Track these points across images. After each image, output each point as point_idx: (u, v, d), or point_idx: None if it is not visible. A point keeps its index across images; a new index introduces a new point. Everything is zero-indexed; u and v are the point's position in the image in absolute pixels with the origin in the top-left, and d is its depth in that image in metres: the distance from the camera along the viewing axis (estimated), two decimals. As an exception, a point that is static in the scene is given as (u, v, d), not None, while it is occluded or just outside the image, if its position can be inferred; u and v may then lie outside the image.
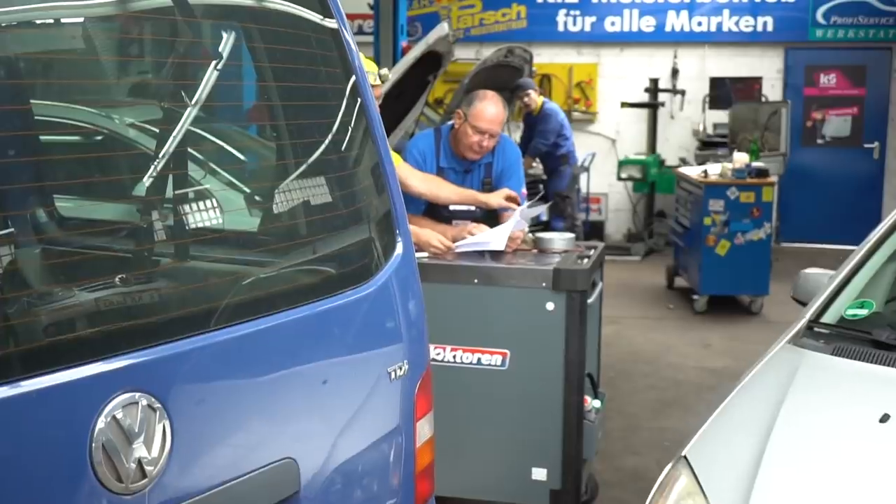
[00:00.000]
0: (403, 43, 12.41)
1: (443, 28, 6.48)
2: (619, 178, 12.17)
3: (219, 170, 2.15)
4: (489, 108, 4.89)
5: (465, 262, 4.55)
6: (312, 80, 2.43)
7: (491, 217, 5.15)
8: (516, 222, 4.71)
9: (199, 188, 2.06)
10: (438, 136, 5.13)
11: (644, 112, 12.82)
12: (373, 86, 4.60)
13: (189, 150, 2.05)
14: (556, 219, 10.26)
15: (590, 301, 4.41)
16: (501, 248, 4.62)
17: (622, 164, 12.14)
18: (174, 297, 1.92)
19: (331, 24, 2.45)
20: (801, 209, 12.71)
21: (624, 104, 12.59)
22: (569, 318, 4.27)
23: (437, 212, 5.13)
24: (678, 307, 9.42)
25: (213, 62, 2.15)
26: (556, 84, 13.18)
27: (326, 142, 2.39)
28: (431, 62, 7.09)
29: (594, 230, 12.63)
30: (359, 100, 2.49)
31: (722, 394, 3.49)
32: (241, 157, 2.29)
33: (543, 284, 4.30)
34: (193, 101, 2.05)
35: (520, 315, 4.36)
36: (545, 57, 13.02)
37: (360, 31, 13.52)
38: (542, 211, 5.44)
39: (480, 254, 4.64)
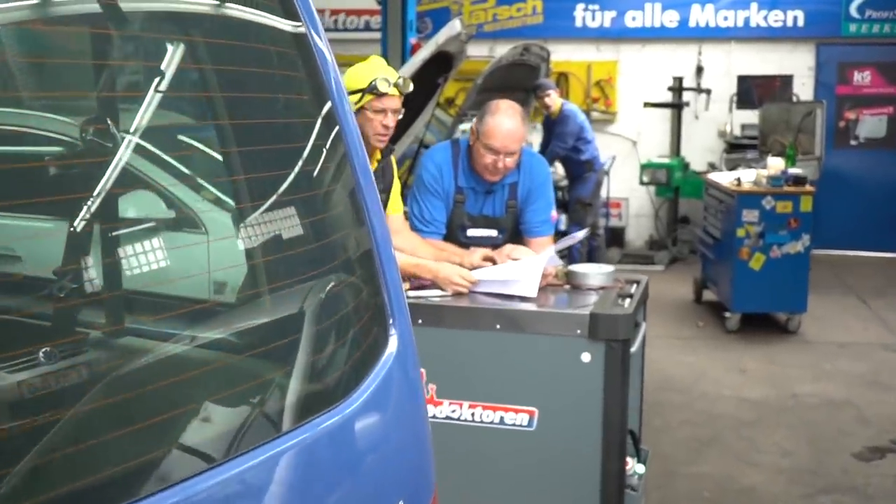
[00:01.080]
0: (413, 40, 11.88)
1: (454, 26, 5.84)
2: (642, 183, 11.56)
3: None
4: (503, 123, 4.26)
5: (485, 303, 3.91)
6: (265, 111, 1.76)
7: (515, 244, 4.52)
8: (549, 258, 4.08)
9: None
10: (457, 150, 4.50)
11: (667, 112, 12.24)
12: (386, 95, 3.98)
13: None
14: (575, 227, 9.61)
15: (633, 350, 3.76)
16: (533, 294, 3.95)
17: (644, 167, 11.54)
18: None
19: (294, 28, 1.78)
20: (834, 215, 12.02)
21: (646, 104, 12.01)
22: (608, 371, 3.62)
23: (453, 237, 4.51)
24: (708, 325, 8.76)
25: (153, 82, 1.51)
26: (573, 83, 12.61)
27: (287, 199, 1.72)
28: (442, 63, 6.46)
29: (614, 237, 12.04)
30: (342, 150, 1.82)
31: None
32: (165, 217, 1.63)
33: (578, 332, 3.65)
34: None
35: (550, 367, 3.71)
36: (562, 54, 12.43)
37: (366, 28, 12.95)
38: (578, 239, 4.75)
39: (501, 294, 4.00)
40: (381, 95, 3.97)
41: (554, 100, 9.70)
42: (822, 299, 9.37)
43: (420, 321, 3.78)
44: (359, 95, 3.99)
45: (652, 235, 12.51)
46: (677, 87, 11.93)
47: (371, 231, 1.83)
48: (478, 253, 4.23)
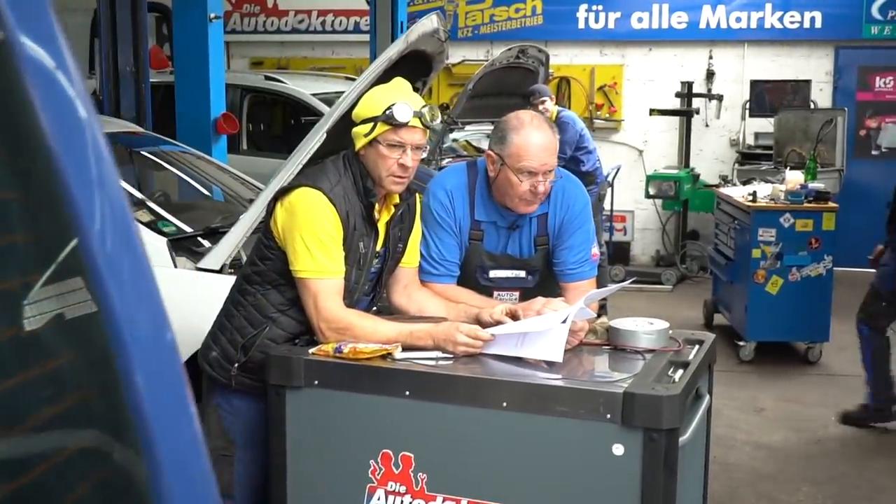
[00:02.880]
0: None
1: (430, 22, 5.06)
2: (648, 196, 10.81)
3: None
4: (533, 136, 3.47)
5: (491, 372, 3.08)
6: None
7: (547, 286, 3.75)
8: (579, 310, 3.23)
9: None
10: (473, 175, 3.68)
11: (675, 120, 11.49)
12: (405, 126, 3.22)
13: None
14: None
15: (684, 439, 2.88)
16: (558, 358, 3.09)
17: (651, 178, 10.78)
18: None
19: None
20: (854, 230, 11.16)
21: (653, 111, 11.25)
22: (647, 468, 2.76)
23: (470, 278, 3.73)
24: (720, 353, 7.86)
25: None
26: (576, 88, 11.90)
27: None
28: (420, 65, 5.70)
29: (619, 252, 11.29)
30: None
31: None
32: None
33: (608, 416, 2.78)
34: None
35: (571, 460, 2.87)
36: (564, 58, 11.79)
37: (356, 29, 12.21)
38: (618, 289, 3.89)
39: (517, 357, 3.17)
40: (398, 126, 3.25)
41: (549, 107, 8.93)
42: (845, 325, 8.52)
43: (407, 392, 3.03)
44: (370, 125, 3.27)
45: (659, 251, 11.80)
46: (686, 93, 11.20)
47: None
48: (500, 307, 3.38)
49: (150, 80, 7.74)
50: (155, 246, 4.61)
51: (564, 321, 3.15)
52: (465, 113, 8.66)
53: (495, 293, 3.76)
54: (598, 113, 11.86)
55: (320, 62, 12.22)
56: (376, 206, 3.38)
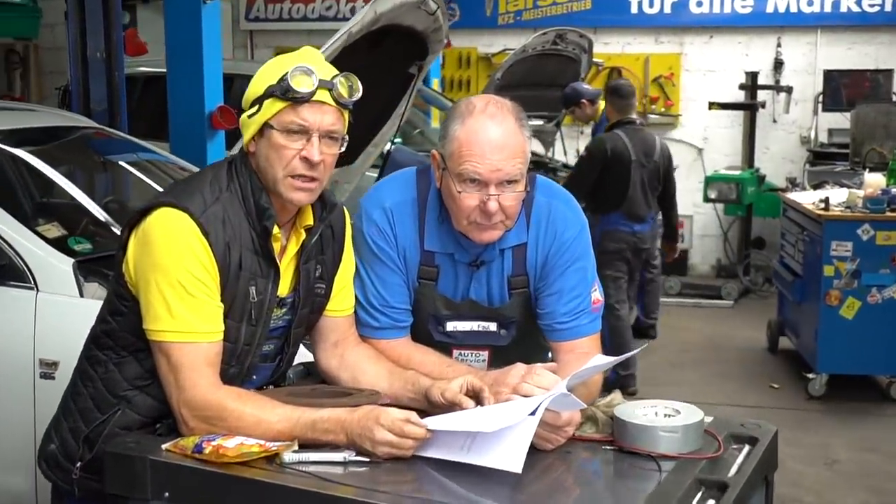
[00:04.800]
0: None
1: (410, -11, 4.08)
2: (707, 200, 9.76)
3: None
4: (482, 129, 2.44)
5: (421, 489, 2.13)
6: None
7: (529, 341, 2.74)
8: (557, 398, 2.21)
9: None
10: (425, 185, 2.67)
11: (739, 115, 10.53)
12: (306, 100, 2.25)
13: None
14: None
15: None
16: (516, 469, 2.07)
17: (710, 180, 9.76)
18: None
19: None
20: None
21: (713, 105, 10.30)
22: None
23: (420, 330, 2.71)
24: (785, 387, 6.86)
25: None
26: (628, 79, 10.80)
27: None
28: (415, 47, 4.71)
29: (675, 262, 10.18)
30: None
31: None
32: None
33: None
34: None
35: None
36: (615, 46, 10.83)
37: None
38: (617, 361, 2.67)
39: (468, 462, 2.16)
40: (296, 101, 2.29)
41: (587, 111, 7.83)
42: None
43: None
44: (258, 107, 2.32)
45: (720, 260, 10.73)
46: (751, 85, 10.23)
47: None
48: (458, 382, 2.37)
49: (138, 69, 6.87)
50: (57, 269, 3.68)
51: (534, 412, 2.12)
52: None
53: (455, 352, 2.73)
54: (653, 107, 10.92)
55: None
56: (275, 231, 2.38)
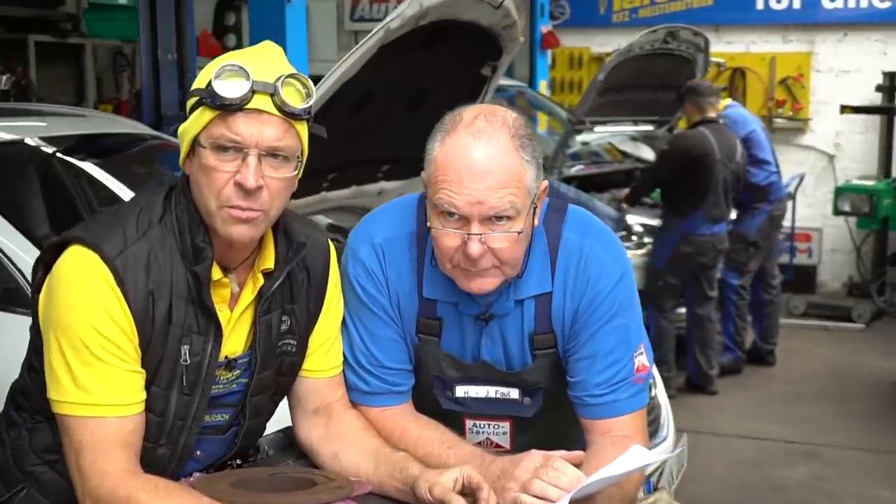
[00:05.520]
0: (544, 28, 9.79)
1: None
2: (837, 213, 9.01)
3: None
4: (465, 147, 1.93)
5: None
6: None
7: (562, 412, 2.18)
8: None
9: None
10: (424, 218, 2.16)
11: (874, 119, 9.81)
12: (239, 109, 1.76)
13: None
14: (731, 274, 7.04)
15: None
16: None
17: (841, 190, 9.04)
18: None
19: None
20: None
21: (846, 108, 9.57)
22: None
23: (425, 395, 2.21)
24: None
25: None
26: (752, 81, 10.31)
27: None
28: (484, 46, 4.17)
29: (802, 278, 9.57)
30: None
31: None
32: None
33: None
34: None
35: None
36: (738, 45, 10.31)
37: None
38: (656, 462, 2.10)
39: None
40: (226, 110, 1.81)
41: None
42: None
43: None
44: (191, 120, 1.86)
45: (852, 277, 9.96)
46: (889, 87, 9.50)
47: None
48: (450, 475, 1.88)
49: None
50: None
51: None
52: (598, 109, 7.07)
53: (469, 422, 2.20)
54: (780, 111, 10.31)
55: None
56: (218, 276, 1.88)
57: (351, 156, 3.90)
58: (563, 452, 1.91)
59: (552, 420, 2.15)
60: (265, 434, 2.18)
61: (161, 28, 6.07)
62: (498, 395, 2.16)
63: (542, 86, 9.80)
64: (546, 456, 1.88)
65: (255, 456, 2.15)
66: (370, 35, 3.17)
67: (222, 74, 1.79)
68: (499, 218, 1.91)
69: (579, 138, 7.60)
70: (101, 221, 1.89)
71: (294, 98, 1.84)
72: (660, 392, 4.14)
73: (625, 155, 8.44)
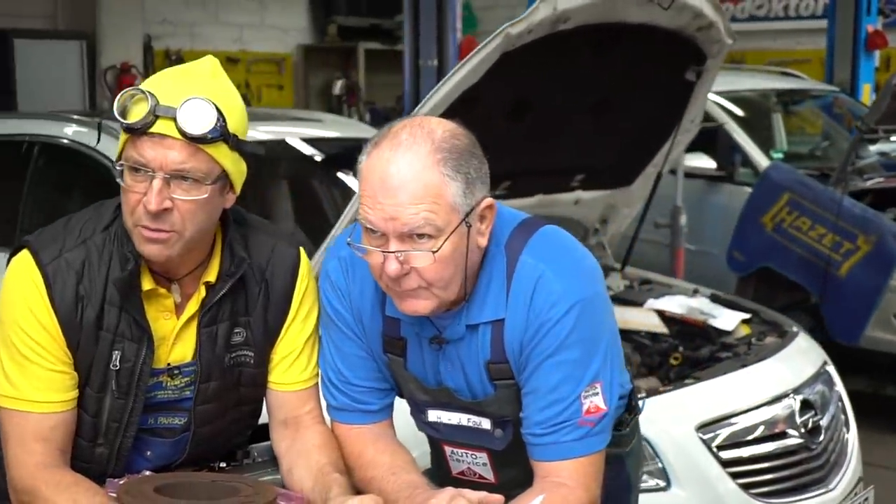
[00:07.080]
0: (870, 26, 9.03)
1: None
2: None
3: None
4: (381, 162, 1.83)
5: None
6: None
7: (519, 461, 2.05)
8: None
9: None
10: None
11: None
12: (144, 133, 1.82)
13: None
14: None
15: None
16: None
17: None
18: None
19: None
20: None
21: None
22: None
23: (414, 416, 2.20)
24: None
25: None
26: None
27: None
28: (683, 49, 3.91)
29: None
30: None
31: None
32: None
33: None
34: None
35: None
36: None
37: (823, 15, 10.08)
38: None
39: None
40: (132, 132, 1.87)
41: None
42: None
43: None
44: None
45: None
46: None
47: None
48: (443, 496, 1.82)
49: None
50: None
51: None
52: (887, 117, 6.41)
53: (447, 449, 2.10)
54: None
55: (780, 55, 10.20)
56: (150, 285, 1.95)
57: (522, 164, 3.79)
58: (482, 494, 1.78)
59: (519, 457, 1.99)
60: (261, 443, 2.20)
61: (423, 35, 6.22)
62: (471, 424, 2.05)
63: (866, 90, 9.01)
64: (454, 493, 1.76)
65: (241, 461, 2.18)
66: (486, 41, 3.07)
67: (126, 98, 1.84)
68: (420, 236, 1.81)
69: (873, 148, 6.91)
70: (53, 227, 2.01)
71: (197, 122, 1.84)
72: (851, 435, 3.68)
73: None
